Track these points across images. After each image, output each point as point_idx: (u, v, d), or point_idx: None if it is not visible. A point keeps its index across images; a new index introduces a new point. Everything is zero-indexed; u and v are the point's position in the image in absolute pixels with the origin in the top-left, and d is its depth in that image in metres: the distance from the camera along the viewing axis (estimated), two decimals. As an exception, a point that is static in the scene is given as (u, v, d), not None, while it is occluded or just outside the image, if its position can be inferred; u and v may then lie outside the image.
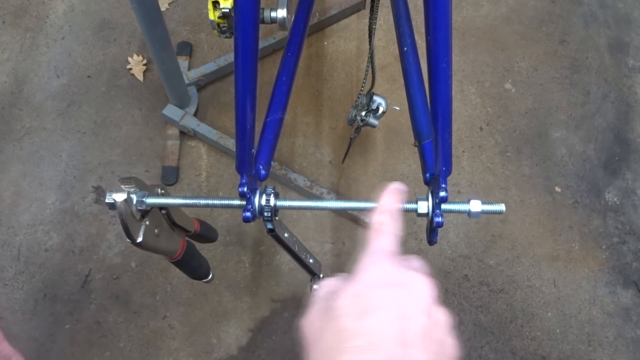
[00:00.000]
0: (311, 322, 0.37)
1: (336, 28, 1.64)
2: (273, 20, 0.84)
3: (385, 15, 1.58)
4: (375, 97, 1.11)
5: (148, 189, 0.62)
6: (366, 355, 0.33)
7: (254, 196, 0.62)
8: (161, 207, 0.66)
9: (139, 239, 0.61)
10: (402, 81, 0.86)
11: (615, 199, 1.46)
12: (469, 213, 0.62)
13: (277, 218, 0.64)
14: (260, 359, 1.28)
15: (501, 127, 1.53)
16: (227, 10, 0.78)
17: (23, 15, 1.63)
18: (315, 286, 0.40)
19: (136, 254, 1.35)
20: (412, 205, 0.62)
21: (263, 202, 0.62)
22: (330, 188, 1.41)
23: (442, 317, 0.37)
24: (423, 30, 0.58)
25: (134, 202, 0.60)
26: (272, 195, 0.62)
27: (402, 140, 1.49)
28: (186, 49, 1.57)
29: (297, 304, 1.32)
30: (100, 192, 1.41)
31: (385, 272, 0.38)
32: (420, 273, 0.38)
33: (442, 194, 0.61)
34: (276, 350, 1.28)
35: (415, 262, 0.41)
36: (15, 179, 1.42)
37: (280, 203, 0.63)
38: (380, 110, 1.11)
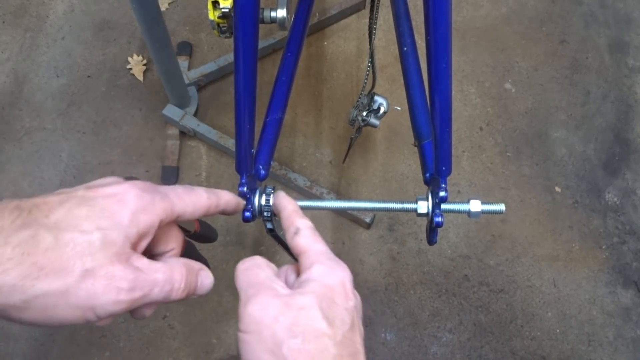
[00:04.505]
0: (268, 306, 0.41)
1: (336, 28, 1.64)
2: (273, 20, 0.84)
3: (385, 15, 1.58)
4: (376, 97, 1.10)
5: (148, 189, 0.62)
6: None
7: (254, 196, 0.62)
8: (161, 207, 0.66)
9: None
10: (402, 81, 0.86)
11: (615, 199, 1.46)
12: (468, 213, 0.62)
13: (276, 218, 0.64)
14: (260, 359, 1.27)
15: (501, 127, 1.53)
16: (227, 10, 0.78)
17: (23, 15, 1.63)
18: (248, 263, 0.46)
19: (136, 254, 1.35)
20: (411, 205, 0.62)
21: (263, 202, 0.62)
22: (330, 188, 1.41)
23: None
24: (423, 30, 0.58)
25: (134, 202, 0.60)
26: (271, 195, 0.62)
27: (402, 140, 1.49)
28: (186, 49, 1.57)
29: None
30: (100, 192, 1.41)
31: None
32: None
33: (442, 194, 0.61)
34: (276, 350, 1.28)
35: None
36: (15, 179, 1.42)
37: (280, 203, 0.63)
38: (382, 110, 1.11)
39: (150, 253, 0.45)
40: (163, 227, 0.43)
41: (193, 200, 0.46)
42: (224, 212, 0.51)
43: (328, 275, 0.43)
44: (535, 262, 1.39)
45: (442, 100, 0.62)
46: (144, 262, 0.40)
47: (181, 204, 0.44)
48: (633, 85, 1.61)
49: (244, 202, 0.57)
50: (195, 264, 0.44)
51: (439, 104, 0.62)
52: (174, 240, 0.46)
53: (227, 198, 0.51)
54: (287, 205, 0.53)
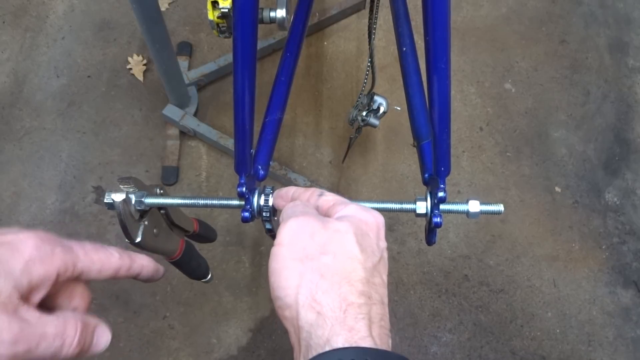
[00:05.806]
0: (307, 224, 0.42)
1: (336, 28, 1.64)
2: (272, 20, 0.84)
3: (385, 15, 1.58)
4: (376, 97, 1.11)
5: (147, 189, 0.62)
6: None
7: (253, 196, 0.62)
8: (160, 207, 0.66)
9: (138, 239, 0.61)
10: (402, 81, 0.86)
11: (615, 199, 1.46)
12: (467, 213, 0.62)
13: (275, 218, 0.64)
14: (260, 359, 1.28)
15: (501, 127, 1.53)
16: (226, 10, 0.78)
17: (23, 15, 1.63)
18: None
19: (136, 254, 1.35)
20: (410, 206, 0.62)
21: (262, 202, 0.62)
22: (330, 188, 1.41)
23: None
24: (422, 30, 0.58)
25: (133, 202, 0.60)
26: (270, 195, 0.62)
27: (402, 140, 1.49)
28: (186, 49, 1.57)
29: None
30: (100, 192, 1.41)
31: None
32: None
33: (441, 194, 0.61)
34: (276, 350, 1.28)
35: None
36: (15, 179, 1.42)
37: (279, 203, 0.63)
38: (381, 110, 1.11)
39: (52, 309, 0.42)
40: (67, 282, 0.41)
41: (101, 258, 0.44)
42: (138, 277, 0.49)
43: (364, 213, 0.44)
44: (535, 262, 1.39)
45: (440, 101, 0.62)
46: (33, 314, 0.37)
47: (86, 261, 0.42)
48: (633, 85, 1.61)
49: (163, 270, 0.54)
50: (92, 320, 0.42)
51: (437, 105, 0.63)
52: (80, 297, 0.43)
53: (143, 263, 0.49)
54: (292, 188, 0.53)
